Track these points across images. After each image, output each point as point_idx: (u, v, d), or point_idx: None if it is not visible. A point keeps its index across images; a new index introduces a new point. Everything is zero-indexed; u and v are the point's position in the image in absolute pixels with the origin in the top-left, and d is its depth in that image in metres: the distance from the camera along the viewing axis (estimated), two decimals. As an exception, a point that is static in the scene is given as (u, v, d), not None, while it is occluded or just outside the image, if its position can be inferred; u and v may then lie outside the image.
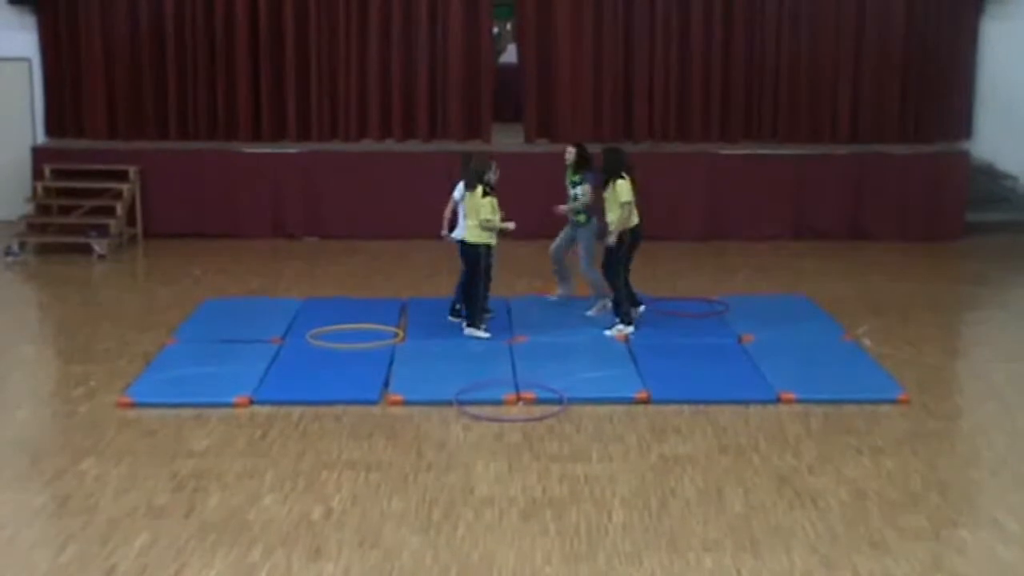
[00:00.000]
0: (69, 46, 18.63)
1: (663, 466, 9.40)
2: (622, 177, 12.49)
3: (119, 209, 17.38)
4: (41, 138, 18.82)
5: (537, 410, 10.61)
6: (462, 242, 12.57)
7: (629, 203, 12.39)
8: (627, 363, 11.78)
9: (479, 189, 12.29)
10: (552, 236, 13.64)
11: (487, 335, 12.53)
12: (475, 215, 12.34)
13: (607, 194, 12.58)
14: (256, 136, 18.64)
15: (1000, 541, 8.16)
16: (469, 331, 12.58)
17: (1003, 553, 8.00)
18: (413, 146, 18.61)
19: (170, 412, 10.49)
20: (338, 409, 10.57)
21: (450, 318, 13.04)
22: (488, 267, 12.52)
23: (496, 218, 12.27)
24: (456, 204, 12.97)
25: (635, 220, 12.51)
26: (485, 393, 10.92)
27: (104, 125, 18.64)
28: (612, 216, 12.53)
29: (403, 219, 17.76)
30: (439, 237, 13.15)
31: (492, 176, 12.47)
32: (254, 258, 16.86)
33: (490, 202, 12.26)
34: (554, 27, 18.61)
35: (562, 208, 13.12)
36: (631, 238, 12.60)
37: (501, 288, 13.41)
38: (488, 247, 12.47)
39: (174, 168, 17.99)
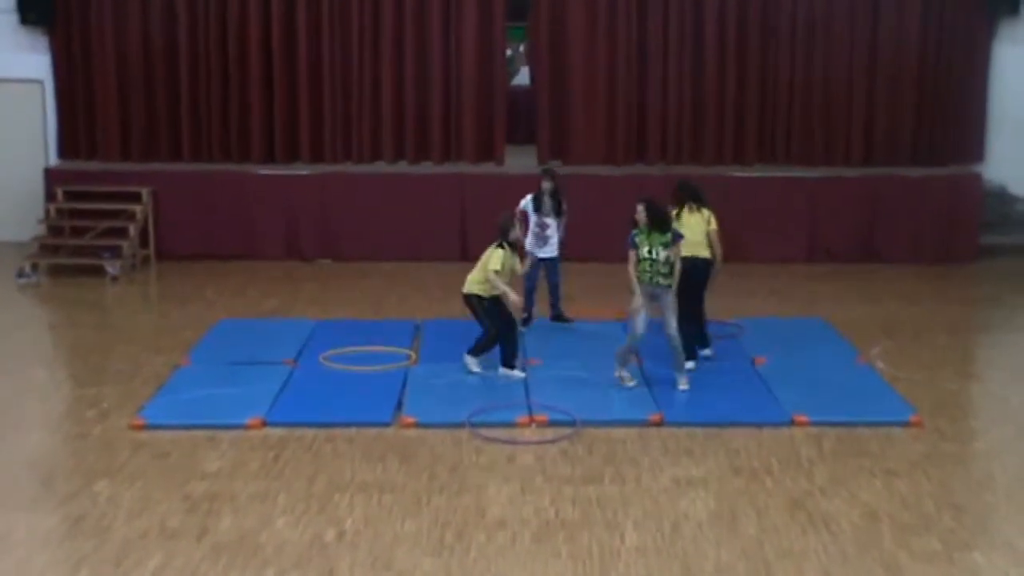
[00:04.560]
0: (82, 68, 18.69)
1: (676, 489, 9.39)
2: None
3: (132, 230, 17.41)
4: (54, 160, 18.88)
5: (550, 432, 10.60)
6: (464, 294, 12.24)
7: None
8: (640, 385, 11.76)
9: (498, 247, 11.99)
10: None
11: (479, 370, 12.15)
12: (483, 267, 12.03)
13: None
14: (269, 158, 18.68)
15: (1014, 564, 8.13)
16: (466, 359, 12.25)
17: (1017, 577, 7.99)
18: (426, 168, 18.64)
19: (183, 434, 10.50)
20: (351, 431, 10.56)
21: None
22: (491, 312, 12.09)
23: (506, 268, 11.98)
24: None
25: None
26: (498, 415, 10.92)
27: (117, 146, 18.68)
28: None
29: (417, 241, 17.81)
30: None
31: (516, 234, 12.19)
32: (267, 280, 16.86)
33: (501, 255, 11.96)
34: (567, 49, 18.63)
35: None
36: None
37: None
38: (479, 297, 12.05)
39: (187, 189, 18.02)
